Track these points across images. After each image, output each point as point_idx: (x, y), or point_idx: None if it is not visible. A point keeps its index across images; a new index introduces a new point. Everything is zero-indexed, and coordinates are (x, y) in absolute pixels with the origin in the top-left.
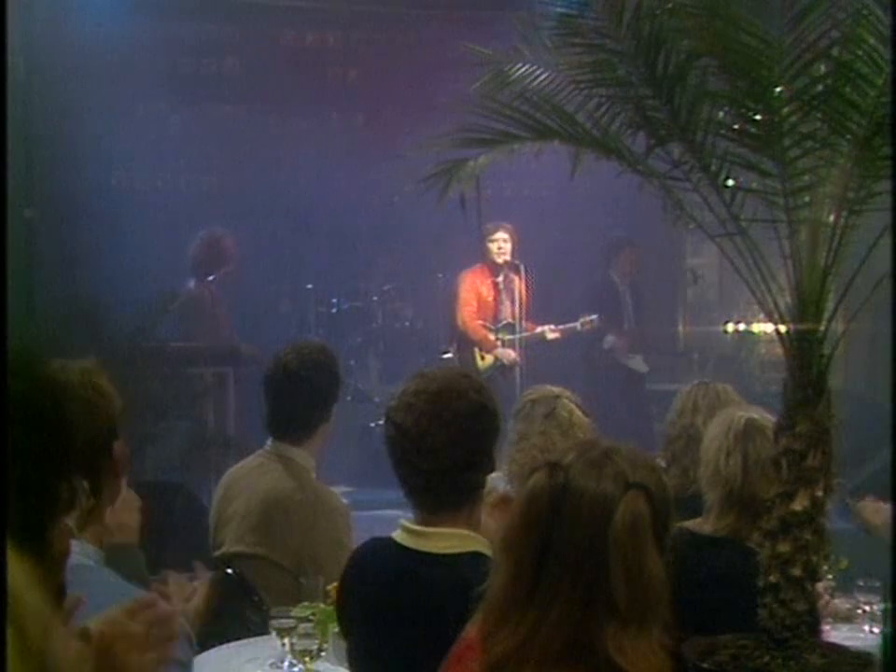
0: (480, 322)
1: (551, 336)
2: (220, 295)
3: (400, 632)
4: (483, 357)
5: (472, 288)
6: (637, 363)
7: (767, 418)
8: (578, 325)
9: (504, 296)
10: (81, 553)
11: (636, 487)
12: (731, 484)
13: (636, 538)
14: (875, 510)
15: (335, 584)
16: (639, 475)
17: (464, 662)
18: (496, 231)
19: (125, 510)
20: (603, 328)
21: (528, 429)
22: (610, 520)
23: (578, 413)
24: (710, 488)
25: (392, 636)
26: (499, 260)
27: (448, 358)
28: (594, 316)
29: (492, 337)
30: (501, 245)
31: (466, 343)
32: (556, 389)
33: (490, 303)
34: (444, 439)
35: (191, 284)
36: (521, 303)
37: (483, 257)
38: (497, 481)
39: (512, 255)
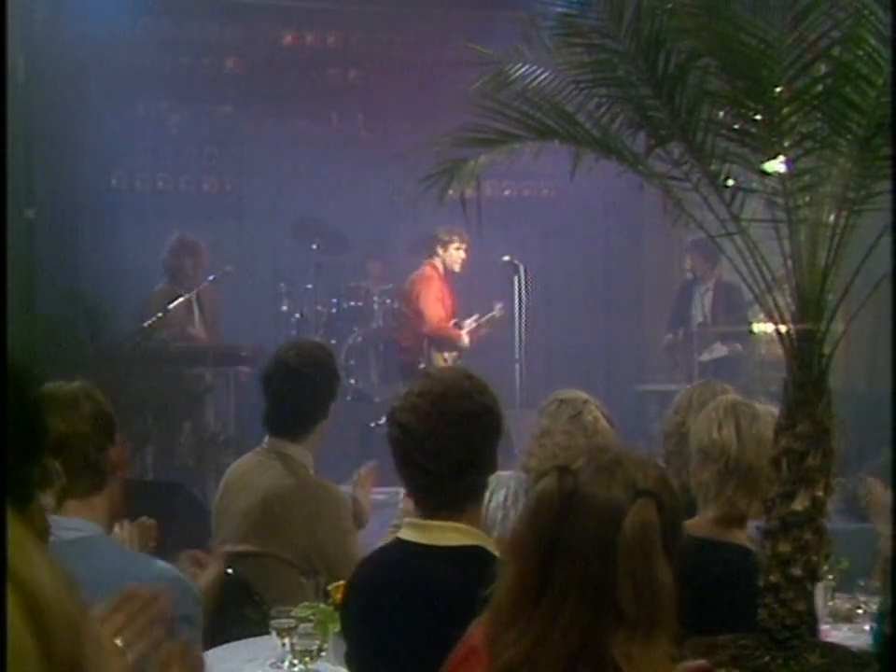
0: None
1: (467, 337)
2: (189, 294)
3: (401, 625)
4: (444, 360)
5: (436, 298)
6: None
7: (772, 412)
8: (496, 312)
9: (456, 298)
10: (84, 528)
11: (645, 495)
12: (726, 454)
13: (645, 546)
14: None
15: (335, 584)
16: (650, 482)
17: (467, 665)
18: (450, 236)
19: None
20: (669, 326)
21: (552, 426)
22: (619, 527)
23: (603, 421)
24: (704, 466)
25: (393, 629)
26: (456, 269)
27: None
28: (500, 304)
29: (458, 330)
30: (454, 253)
31: (433, 349)
32: (585, 395)
33: (449, 307)
34: (448, 439)
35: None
36: (520, 303)
37: (430, 258)
38: (507, 479)
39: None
